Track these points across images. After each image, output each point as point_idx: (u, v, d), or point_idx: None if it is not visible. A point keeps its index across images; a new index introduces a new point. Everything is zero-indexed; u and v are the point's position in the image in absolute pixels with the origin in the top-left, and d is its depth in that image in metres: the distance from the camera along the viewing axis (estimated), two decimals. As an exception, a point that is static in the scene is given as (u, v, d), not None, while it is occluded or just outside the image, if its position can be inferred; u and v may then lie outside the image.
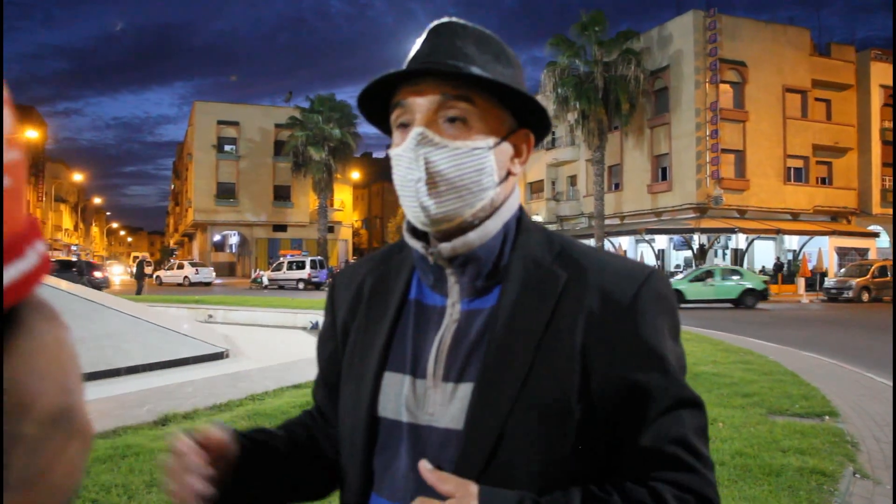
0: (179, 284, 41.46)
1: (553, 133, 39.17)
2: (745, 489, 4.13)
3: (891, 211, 34.70)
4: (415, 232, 0.96)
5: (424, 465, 0.85)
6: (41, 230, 0.42)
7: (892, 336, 9.84)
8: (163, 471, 0.88)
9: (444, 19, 0.94)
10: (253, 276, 43.41)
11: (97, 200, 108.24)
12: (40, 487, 0.39)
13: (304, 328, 15.13)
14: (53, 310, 0.43)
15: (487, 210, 0.92)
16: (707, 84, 33.93)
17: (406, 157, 0.89)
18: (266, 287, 38.38)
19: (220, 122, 53.46)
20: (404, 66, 0.91)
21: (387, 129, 0.97)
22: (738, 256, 33.59)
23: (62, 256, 47.12)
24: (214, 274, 44.29)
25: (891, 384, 7.63)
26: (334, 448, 1.03)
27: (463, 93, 0.89)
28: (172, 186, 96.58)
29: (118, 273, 58.75)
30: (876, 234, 36.00)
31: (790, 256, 35.08)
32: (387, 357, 0.94)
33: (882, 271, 27.98)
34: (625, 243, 36.34)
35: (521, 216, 0.97)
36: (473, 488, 0.81)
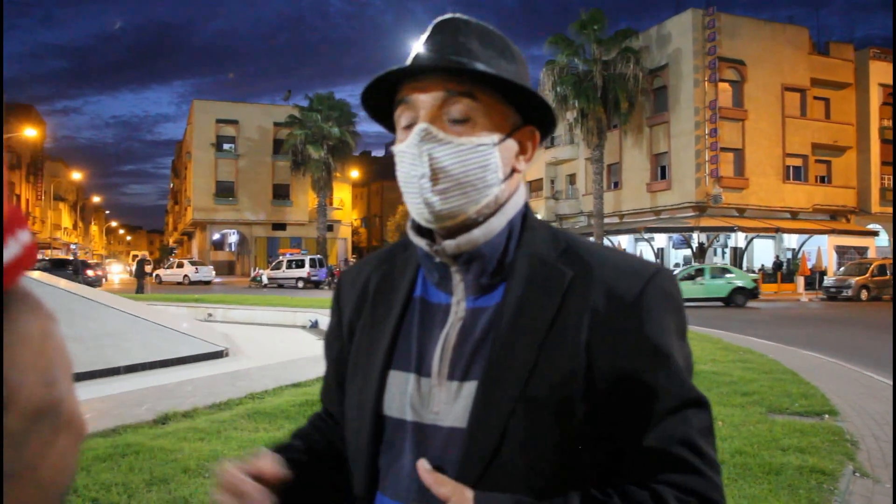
0: (179, 283, 41.44)
1: (552, 132, 39.15)
2: (745, 488, 4.13)
3: (890, 209, 34.72)
4: (419, 229, 0.95)
5: (422, 466, 0.84)
6: (25, 220, 0.41)
7: (892, 335, 9.85)
8: None
9: (448, 15, 0.93)
10: (252, 274, 43.37)
11: (96, 199, 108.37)
12: (28, 481, 0.38)
13: (303, 327, 15.15)
14: (39, 301, 0.42)
15: (492, 207, 0.91)
16: (706, 83, 33.94)
17: (410, 154, 0.89)
18: (265, 286, 38.37)
19: (218, 121, 53.41)
20: (408, 63, 0.90)
21: (391, 127, 0.96)
22: (738, 255, 33.62)
23: (58, 255, 47.15)
24: (214, 272, 44.29)
25: (890, 383, 7.64)
26: None
27: (467, 89, 0.88)
28: (171, 185, 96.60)
29: (117, 272, 58.78)
30: (875, 233, 36.03)
31: (789, 255, 35.10)
32: (392, 355, 0.93)
33: (881, 270, 28.00)
34: (624, 242, 36.32)
35: (526, 213, 0.96)
36: (469, 493, 0.81)
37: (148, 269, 30.94)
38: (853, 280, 27.48)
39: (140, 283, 28.22)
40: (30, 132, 46.81)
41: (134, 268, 30.94)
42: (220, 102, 55.52)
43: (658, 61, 35.85)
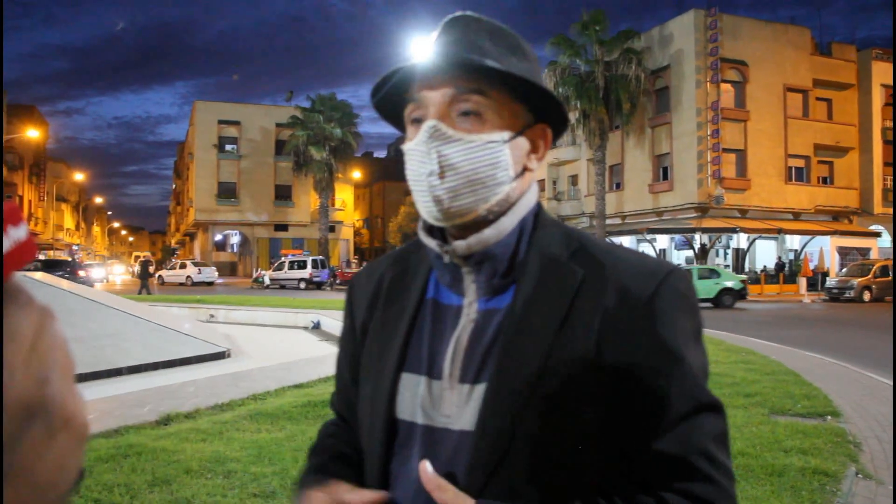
0: (182, 284, 41.48)
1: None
2: (748, 489, 4.13)
3: (892, 210, 34.66)
4: (431, 230, 0.94)
5: (425, 470, 0.82)
6: (21, 217, 0.40)
7: (892, 336, 9.83)
8: None
9: (458, 13, 0.92)
10: (254, 275, 43.38)
11: (98, 200, 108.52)
12: (23, 483, 0.38)
13: (305, 328, 15.15)
14: (31, 297, 0.41)
15: (503, 206, 0.89)
16: (708, 83, 33.90)
17: (418, 151, 0.87)
18: (267, 287, 38.36)
19: (221, 122, 53.45)
20: (417, 61, 0.89)
21: (401, 126, 0.95)
22: (740, 256, 33.60)
23: (60, 256, 47.24)
24: (217, 273, 44.32)
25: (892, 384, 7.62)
26: None
27: (476, 86, 0.87)
28: (174, 186, 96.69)
29: (119, 273, 58.87)
30: (878, 234, 35.95)
31: (792, 256, 35.07)
32: (404, 358, 0.92)
33: (884, 271, 27.96)
34: (626, 243, 36.27)
35: (538, 212, 0.94)
36: (470, 502, 0.79)
37: (151, 269, 30.98)
38: (855, 281, 27.43)
39: (144, 284, 28.29)
40: (32, 133, 46.89)
41: (138, 269, 30.99)
42: (222, 103, 55.52)
43: (660, 62, 35.82)
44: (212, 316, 16.81)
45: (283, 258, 41.19)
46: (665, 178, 36.27)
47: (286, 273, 39.11)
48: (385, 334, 0.95)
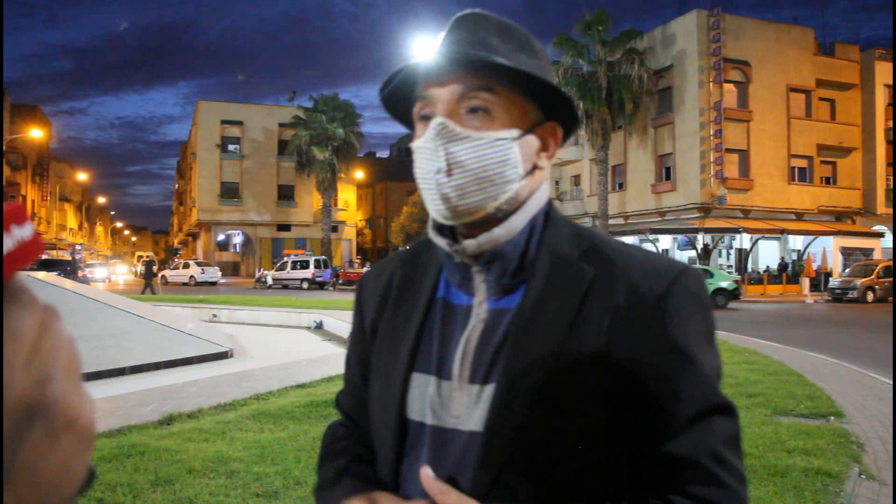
0: (185, 284, 41.55)
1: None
2: (750, 490, 4.10)
3: (894, 211, 34.58)
4: (441, 229, 0.93)
5: (426, 474, 0.81)
6: (25, 217, 0.40)
7: (892, 336, 9.81)
8: None
9: (467, 11, 0.91)
10: (257, 275, 43.42)
11: (101, 200, 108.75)
12: (24, 483, 0.37)
13: (308, 328, 15.17)
14: (34, 296, 0.40)
15: (512, 204, 0.88)
16: (711, 84, 33.85)
17: (426, 149, 0.87)
18: (270, 286, 38.40)
19: (223, 122, 53.52)
20: (426, 59, 0.89)
21: (410, 124, 0.94)
22: (743, 256, 33.54)
23: (63, 256, 47.31)
24: (220, 273, 44.37)
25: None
26: None
27: (485, 83, 0.86)
28: (176, 186, 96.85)
29: (122, 273, 58.97)
30: (881, 234, 35.88)
31: (794, 256, 35.01)
32: (415, 357, 0.91)
33: (887, 271, 27.89)
34: (628, 243, 36.22)
35: (549, 210, 0.93)
36: None
37: (155, 269, 31.05)
38: (858, 281, 27.39)
39: (148, 283, 28.35)
40: (35, 133, 46.97)
41: (142, 269, 31.04)
42: (224, 103, 55.57)
43: (663, 62, 35.79)
44: (214, 316, 16.84)
45: (285, 258, 41.23)
46: (668, 178, 36.23)
47: (289, 273, 39.15)
48: (395, 334, 0.95)
